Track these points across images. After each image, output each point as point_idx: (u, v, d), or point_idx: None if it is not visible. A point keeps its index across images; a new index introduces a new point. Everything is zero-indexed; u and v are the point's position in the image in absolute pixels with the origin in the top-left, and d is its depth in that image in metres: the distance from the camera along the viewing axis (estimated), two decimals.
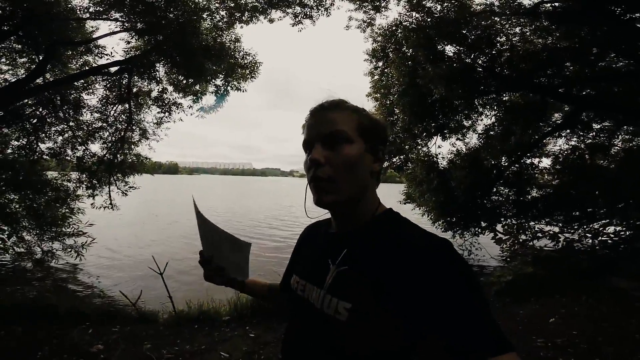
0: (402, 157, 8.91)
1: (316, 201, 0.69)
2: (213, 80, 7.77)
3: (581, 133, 7.19)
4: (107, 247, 9.41)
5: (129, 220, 14.58)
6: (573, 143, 7.34)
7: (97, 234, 6.84)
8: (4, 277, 6.31)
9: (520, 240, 7.27)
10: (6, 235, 5.83)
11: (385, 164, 9.01)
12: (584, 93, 6.71)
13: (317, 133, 0.69)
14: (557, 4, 5.92)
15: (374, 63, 8.21)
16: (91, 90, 7.23)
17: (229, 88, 8.11)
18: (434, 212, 7.81)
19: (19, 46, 6.08)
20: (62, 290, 5.90)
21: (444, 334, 0.50)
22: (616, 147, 7.42)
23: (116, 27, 6.11)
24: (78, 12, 5.86)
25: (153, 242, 11.25)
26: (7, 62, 6.51)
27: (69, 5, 5.73)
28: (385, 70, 8.02)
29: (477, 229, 7.81)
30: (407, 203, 8.77)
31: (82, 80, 6.90)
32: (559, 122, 7.40)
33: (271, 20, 7.25)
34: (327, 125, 0.68)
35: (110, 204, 7.89)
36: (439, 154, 8.03)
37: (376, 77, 8.36)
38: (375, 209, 0.72)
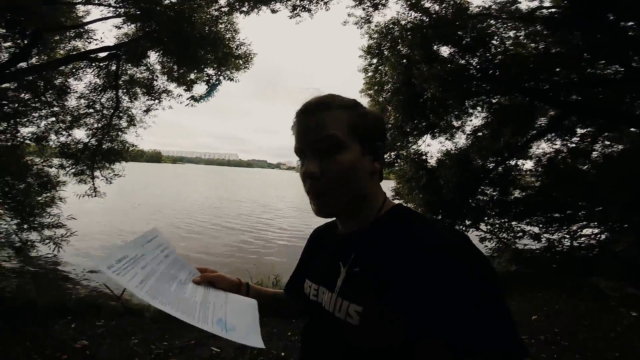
0: (392, 153, 9.03)
1: (315, 213, 0.67)
2: (206, 70, 7.57)
3: (565, 137, 7.46)
4: (93, 237, 9.32)
5: (110, 209, 14.13)
6: (557, 147, 7.62)
7: (79, 224, 6.58)
8: None
9: (502, 239, 7.55)
10: None
11: None
12: (572, 98, 6.92)
13: (305, 140, 0.65)
14: (553, 10, 6.06)
15: (369, 59, 8.19)
16: (78, 76, 6.93)
17: (221, 78, 7.91)
18: (421, 209, 7.98)
19: (4, 31, 5.72)
20: (43, 282, 5.66)
21: (451, 335, 0.49)
22: (596, 153, 7.74)
23: (108, 13, 5.85)
24: None
25: (138, 231, 11.17)
26: None
27: None
28: (380, 67, 8.05)
29: (462, 227, 8.03)
30: (395, 199, 8.92)
31: (70, 66, 6.60)
32: (544, 126, 7.64)
33: (274, 11, 7.12)
34: (316, 131, 0.64)
35: (95, 191, 7.66)
36: (428, 152, 8.24)
37: (370, 73, 8.37)
38: (380, 206, 0.69)
